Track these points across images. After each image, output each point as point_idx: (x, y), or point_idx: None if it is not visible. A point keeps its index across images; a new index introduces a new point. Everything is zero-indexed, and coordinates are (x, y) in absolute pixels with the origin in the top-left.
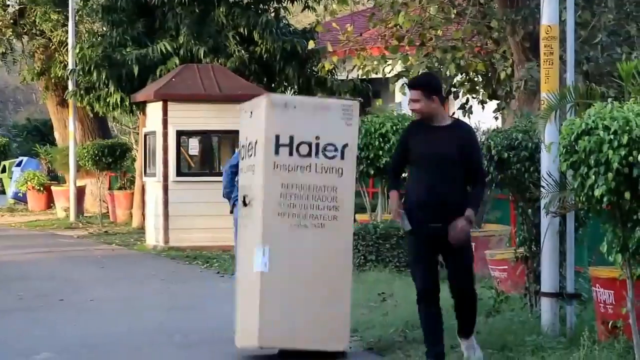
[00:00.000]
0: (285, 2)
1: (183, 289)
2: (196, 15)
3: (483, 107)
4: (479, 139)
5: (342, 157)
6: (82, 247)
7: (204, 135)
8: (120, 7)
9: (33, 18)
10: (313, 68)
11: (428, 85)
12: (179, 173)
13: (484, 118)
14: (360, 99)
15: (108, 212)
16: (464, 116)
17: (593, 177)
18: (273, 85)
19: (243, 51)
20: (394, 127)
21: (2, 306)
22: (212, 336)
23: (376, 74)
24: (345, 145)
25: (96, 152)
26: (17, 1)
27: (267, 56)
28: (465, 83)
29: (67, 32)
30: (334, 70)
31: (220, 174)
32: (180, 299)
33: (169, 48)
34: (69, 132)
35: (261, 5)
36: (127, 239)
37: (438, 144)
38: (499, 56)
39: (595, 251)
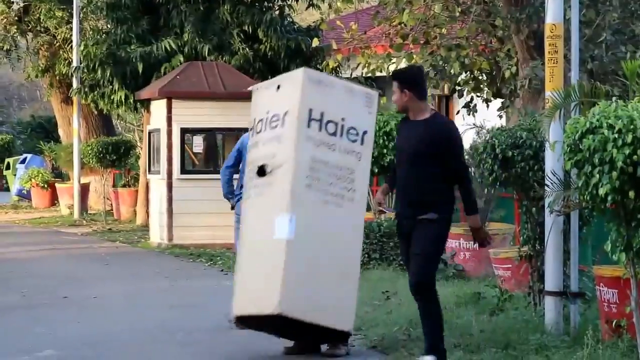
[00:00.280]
0: (290, 0)
1: (186, 287)
2: (201, 12)
3: (487, 106)
4: (458, 133)
5: (362, 143)
6: (85, 244)
7: (208, 133)
8: (125, 5)
9: (38, 15)
10: (317, 66)
11: (401, 78)
12: (183, 171)
13: (488, 116)
14: (380, 90)
15: (112, 209)
16: (469, 114)
17: (597, 175)
18: None
19: (247, 49)
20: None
21: (5, 303)
22: (215, 334)
23: (380, 72)
24: (365, 132)
25: (100, 149)
26: None
27: (272, 54)
28: (470, 81)
29: (71, 29)
30: (338, 68)
31: None
32: (184, 297)
33: (173, 46)
34: (73, 130)
35: (266, 3)
36: (131, 236)
37: (411, 139)
38: (503, 54)
39: (599, 250)
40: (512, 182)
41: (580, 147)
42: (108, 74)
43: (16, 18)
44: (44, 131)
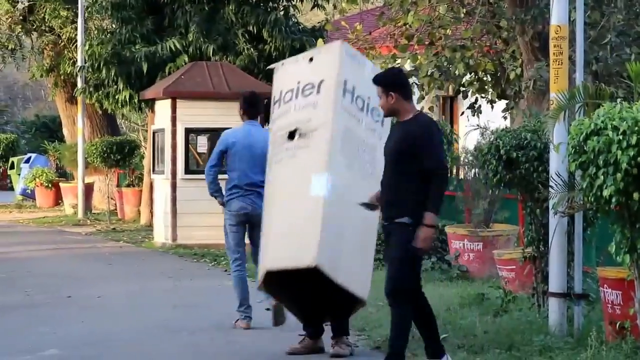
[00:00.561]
0: (295, 1)
1: (190, 287)
2: (205, 13)
3: (492, 107)
4: (436, 131)
5: (382, 125)
6: (89, 244)
7: (213, 133)
8: (130, 5)
9: (42, 15)
10: None
11: (385, 82)
12: (188, 171)
13: (493, 118)
14: None
15: (116, 209)
16: (473, 115)
17: (602, 177)
18: None
19: (252, 49)
20: None
21: (9, 302)
22: (218, 334)
23: None
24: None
25: (105, 149)
26: None
27: (276, 54)
28: (474, 82)
29: (76, 28)
30: None
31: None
32: (187, 297)
33: (178, 46)
34: (78, 129)
35: (270, 4)
36: (135, 236)
37: (392, 140)
38: (508, 56)
39: (603, 251)
40: (517, 183)
41: (585, 148)
42: (113, 74)
43: (21, 17)
44: (49, 131)
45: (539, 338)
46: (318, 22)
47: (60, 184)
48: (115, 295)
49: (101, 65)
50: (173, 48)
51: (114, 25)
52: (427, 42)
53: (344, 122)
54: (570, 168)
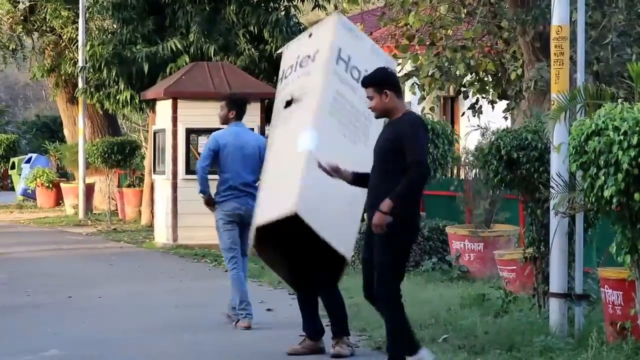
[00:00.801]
0: (296, 1)
1: (191, 287)
2: (206, 13)
3: (493, 107)
4: (420, 128)
5: None
6: (90, 244)
7: None
8: (131, 5)
9: (43, 15)
10: None
11: (378, 80)
12: (188, 171)
13: (494, 118)
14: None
15: (117, 209)
16: (474, 116)
17: (603, 177)
18: None
19: (253, 49)
20: None
21: (10, 303)
22: (219, 334)
23: None
24: None
25: (105, 149)
26: None
27: (277, 55)
28: (475, 83)
29: (77, 29)
30: None
31: None
32: (189, 297)
33: (179, 46)
34: (79, 129)
35: (271, 4)
36: (135, 236)
37: (381, 139)
38: (509, 56)
39: (604, 252)
40: (517, 183)
41: (586, 149)
42: (114, 74)
43: (22, 17)
44: (49, 131)
45: (540, 339)
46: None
47: (61, 185)
48: (116, 295)
49: (102, 65)
50: (174, 48)
51: (115, 26)
52: (428, 43)
53: (335, 86)
54: (571, 168)
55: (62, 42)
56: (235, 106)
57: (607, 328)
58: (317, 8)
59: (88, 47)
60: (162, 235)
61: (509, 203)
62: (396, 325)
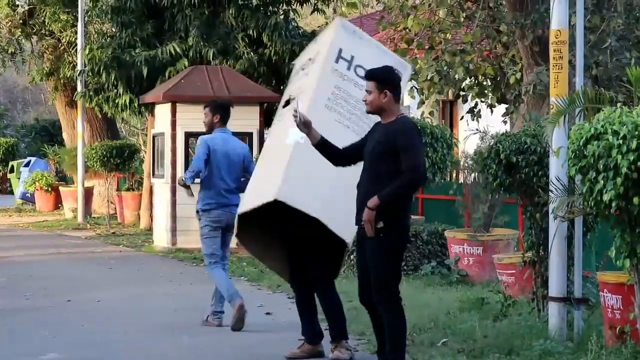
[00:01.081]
0: (295, 5)
1: (190, 290)
2: (205, 17)
3: (492, 111)
4: (414, 133)
5: None
6: (89, 248)
7: None
8: (130, 9)
9: (42, 18)
10: None
11: (381, 77)
12: None
13: (493, 122)
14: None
15: (116, 213)
16: (473, 120)
17: (602, 182)
18: (282, 87)
19: (252, 53)
20: None
21: (9, 306)
22: (219, 338)
23: None
24: None
25: (104, 153)
26: (27, 1)
27: (276, 58)
28: (474, 87)
29: (76, 32)
30: None
31: None
32: (188, 300)
33: (178, 50)
34: (78, 133)
35: (270, 8)
36: (134, 240)
37: (372, 142)
38: (508, 60)
39: (603, 256)
40: (516, 187)
41: (585, 153)
42: (112, 78)
43: (21, 21)
44: (48, 134)
45: (539, 342)
46: (318, 26)
47: (60, 188)
48: (115, 299)
49: (101, 69)
50: (173, 52)
51: (114, 29)
52: (427, 46)
53: (334, 83)
54: (570, 172)
55: (61, 45)
56: (220, 110)
57: (606, 332)
58: (316, 12)
59: (87, 51)
60: (161, 238)
61: (508, 207)
62: (397, 329)
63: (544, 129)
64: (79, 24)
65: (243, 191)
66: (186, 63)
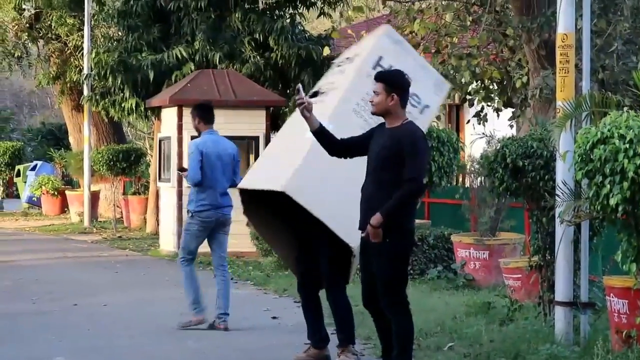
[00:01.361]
0: (301, 9)
1: None
2: (212, 21)
3: (498, 115)
4: (420, 140)
5: (421, 112)
6: (95, 252)
7: None
8: (136, 12)
9: (49, 22)
10: None
11: (390, 80)
12: None
13: (499, 126)
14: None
15: (122, 217)
16: (479, 124)
17: (608, 186)
18: (288, 91)
19: (258, 57)
20: None
21: (15, 310)
22: (225, 341)
23: None
24: (427, 106)
25: (111, 157)
26: (33, 5)
27: (283, 62)
28: (481, 91)
29: (82, 36)
30: None
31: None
32: None
33: (184, 53)
34: (84, 137)
35: (277, 12)
36: (141, 244)
37: (377, 146)
38: (514, 64)
39: (609, 260)
40: (523, 191)
41: (591, 157)
42: (119, 82)
43: (27, 25)
44: (55, 138)
45: (545, 347)
46: (324, 30)
47: (66, 192)
48: (121, 303)
49: (107, 73)
50: (179, 56)
51: (120, 33)
52: (433, 50)
53: (367, 89)
54: (576, 176)
55: (68, 49)
56: (197, 111)
57: (612, 336)
58: (322, 16)
59: (93, 55)
60: (167, 242)
61: (514, 211)
62: (404, 333)
63: (550, 133)
64: (86, 28)
65: (235, 186)
66: (192, 67)
